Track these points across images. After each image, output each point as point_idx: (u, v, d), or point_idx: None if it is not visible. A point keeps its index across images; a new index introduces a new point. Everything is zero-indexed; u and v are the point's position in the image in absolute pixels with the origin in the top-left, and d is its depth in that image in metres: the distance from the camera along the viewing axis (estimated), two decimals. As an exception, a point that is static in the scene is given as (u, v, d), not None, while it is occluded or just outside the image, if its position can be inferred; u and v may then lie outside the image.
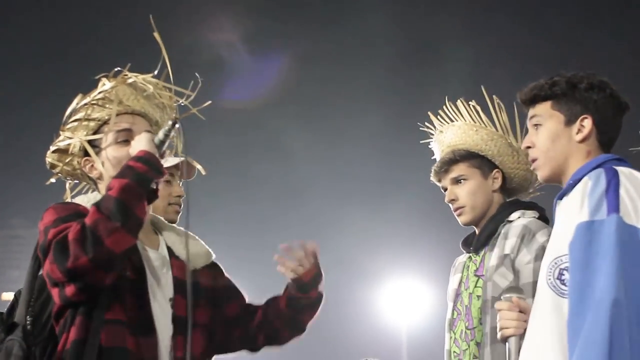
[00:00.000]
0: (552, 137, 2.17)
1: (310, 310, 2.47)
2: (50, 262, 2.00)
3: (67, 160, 2.37)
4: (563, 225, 2.00)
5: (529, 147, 2.23)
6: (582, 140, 2.15)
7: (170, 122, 2.20)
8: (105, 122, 2.30)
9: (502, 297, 2.22)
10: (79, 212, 2.13)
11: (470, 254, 2.94)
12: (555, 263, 1.97)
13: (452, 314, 2.92)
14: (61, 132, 2.36)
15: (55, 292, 2.06)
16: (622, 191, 1.91)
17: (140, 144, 2.17)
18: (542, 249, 2.40)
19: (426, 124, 3.16)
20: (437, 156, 3.13)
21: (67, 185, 2.46)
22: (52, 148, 2.38)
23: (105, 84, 2.34)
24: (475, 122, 2.98)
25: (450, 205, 2.96)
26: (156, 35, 2.34)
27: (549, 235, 2.37)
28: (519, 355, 2.04)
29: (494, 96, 2.99)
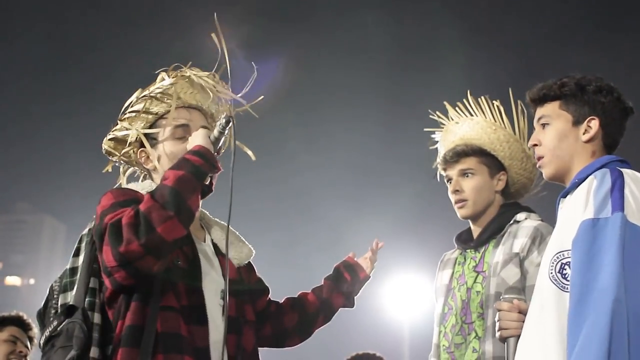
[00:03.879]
0: (559, 136, 2.21)
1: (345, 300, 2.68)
2: (105, 244, 2.02)
3: (123, 150, 2.42)
4: (567, 221, 2.03)
5: (535, 145, 2.27)
6: (588, 141, 2.19)
7: (224, 120, 2.25)
8: (163, 116, 2.36)
9: (501, 298, 2.24)
10: (136, 198, 2.15)
11: (468, 250, 2.96)
12: (557, 257, 2.00)
13: (443, 308, 2.94)
14: (119, 122, 2.41)
15: (106, 278, 2.08)
16: (627, 191, 1.95)
17: (197, 139, 2.23)
18: None
19: (438, 113, 3.14)
20: (442, 145, 3.10)
21: (121, 171, 2.52)
22: (109, 136, 2.43)
23: (165, 79, 2.39)
24: (495, 121, 2.98)
25: (452, 196, 2.97)
26: (214, 34, 2.42)
27: None
28: None
29: (519, 101, 2.97)
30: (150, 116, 2.37)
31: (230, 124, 2.25)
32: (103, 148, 2.47)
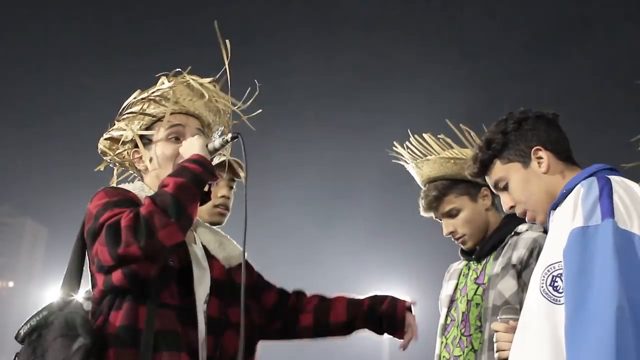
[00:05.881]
0: (523, 185, 2.18)
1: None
2: (101, 244, 2.03)
3: (117, 150, 2.44)
4: (556, 233, 1.99)
5: (512, 207, 2.23)
6: (548, 170, 2.17)
7: (230, 135, 2.28)
8: (160, 119, 2.38)
9: (498, 318, 2.23)
10: (129, 198, 2.18)
11: (471, 262, 2.96)
12: (548, 270, 1.96)
13: (446, 319, 2.93)
14: (116, 122, 2.43)
15: (100, 277, 2.08)
16: (615, 197, 1.91)
17: (194, 148, 2.24)
18: None
19: (394, 151, 3.15)
20: (416, 179, 3.10)
21: (115, 172, 2.52)
22: (105, 136, 2.45)
23: (165, 83, 2.41)
24: (450, 154, 2.97)
25: (448, 236, 2.97)
26: (222, 44, 2.43)
27: None
28: None
29: (460, 125, 2.98)
30: (146, 118, 2.38)
31: (236, 140, 2.27)
32: (98, 147, 2.49)
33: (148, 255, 1.99)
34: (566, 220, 1.94)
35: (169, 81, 2.41)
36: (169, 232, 2.01)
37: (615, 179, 1.99)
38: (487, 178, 2.30)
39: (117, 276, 2.02)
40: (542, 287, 1.94)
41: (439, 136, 3.01)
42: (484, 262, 2.89)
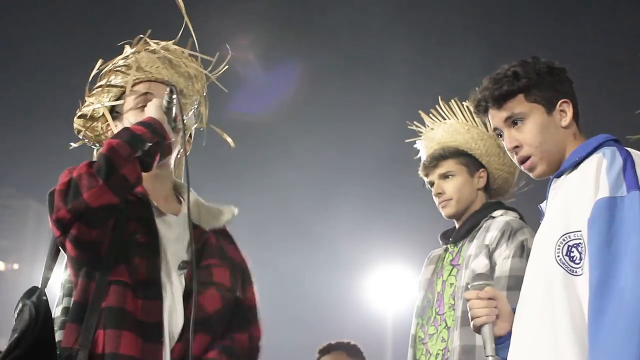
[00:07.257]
0: (541, 130, 2.08)
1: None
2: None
3: (90, 126, 2.41)
4: (571, 201, 1.94)
5: (516, 147, 2.11)
6: (568, 125, 2.10)
7: (168, 89, 2.17)
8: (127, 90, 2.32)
9: (469, 286, 2.20)
10: None
11: (448, 246, 3.07)
12: (563, 240, 1.91)
13: (423, 301, 3.05)
14: (86, 98, 2.39)
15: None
16: (638, 169, 1.88)
17: (149, 110, 2.17)
18: (521, 247, 2.70)
19: (415, 122, 3.28)
20: (423, 152, 3.23)
21: (95, 152, 2.46)
22: (77, 113, 2.41)
23: (128, 51, 2.37)
24: (467, 122, 3.11)
25: (435, 199, 3.09)
26: (181, 5, 2.40)
27: (529, 235, 2.64)
28: (494, 342, 2.04)
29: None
30: (114, 90, 2.35)
31: (174, 94, 2.16)
32: (74, 127, 2.44)
33: (76, 216, 1.95)
34: (586, 189, 1.89)
35: (131, 49, 2.36)
36: (95, 192, 1.96)
37: (632, 151, 1.96)
38: (494, 114, 2.16)
39: (69, 247, 2.02)
40: (559, 256, 1.90)
41: (464, 103, 3.11)
42: (460, 244, 3.00)
